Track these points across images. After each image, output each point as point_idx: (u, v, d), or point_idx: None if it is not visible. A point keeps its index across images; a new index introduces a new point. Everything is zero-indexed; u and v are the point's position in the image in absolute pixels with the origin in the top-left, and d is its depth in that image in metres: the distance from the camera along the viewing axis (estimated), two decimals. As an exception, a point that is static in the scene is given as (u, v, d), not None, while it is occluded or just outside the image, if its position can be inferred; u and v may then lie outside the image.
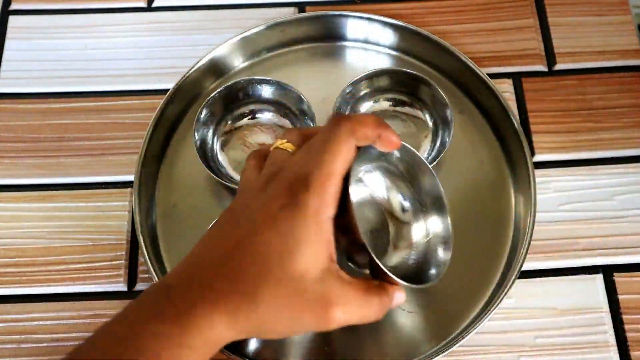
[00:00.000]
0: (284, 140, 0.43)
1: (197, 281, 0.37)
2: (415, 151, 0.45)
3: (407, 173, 0.47)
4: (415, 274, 0.44)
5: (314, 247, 0.37)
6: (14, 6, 0.65)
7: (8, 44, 0.63)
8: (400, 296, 0.41)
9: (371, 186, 0.47)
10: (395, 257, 0.46)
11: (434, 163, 0.54)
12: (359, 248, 0.40)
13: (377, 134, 0.40)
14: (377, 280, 0.41)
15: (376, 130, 0.40)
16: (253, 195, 0.40)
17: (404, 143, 0.43)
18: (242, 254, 0.37)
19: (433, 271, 0.44)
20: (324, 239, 0.37)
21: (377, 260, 0.39)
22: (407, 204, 0.47)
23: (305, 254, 0.37)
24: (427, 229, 0.47)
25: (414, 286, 0.42)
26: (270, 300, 0.36)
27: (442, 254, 0.45)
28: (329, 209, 0.38)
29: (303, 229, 0.37)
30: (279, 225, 0.37)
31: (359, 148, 0.40)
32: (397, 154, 0.45)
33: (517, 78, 0.61)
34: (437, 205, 0.46)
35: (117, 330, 0.37)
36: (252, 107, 0.58)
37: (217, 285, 0.36)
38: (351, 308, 0.38)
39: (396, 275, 0.40)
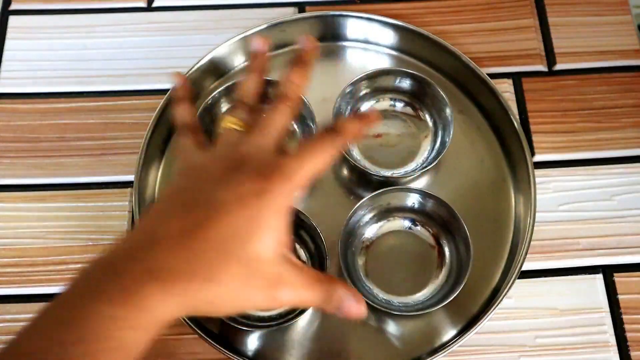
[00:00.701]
0: (235, 119, 0.45)
1: (149, 260, 0.36)
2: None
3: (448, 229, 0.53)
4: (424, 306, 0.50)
5: (274, 233, 0.39)
6: (14, 6, 0.65)
7: (8, 44, 0.63)
8: (345, 295, 0.41)
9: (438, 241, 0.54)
10: (429, 290, 0.52)
11: (434, 163, 0.54)
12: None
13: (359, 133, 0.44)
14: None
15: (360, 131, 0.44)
16: (215, 177, 0.40)
17: (443, 199, 0.51)
18: (203, 235, 0.37)
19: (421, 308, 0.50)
20: (283, 227, 0.39)
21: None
22: (455, 258, 0.52)
23: (266, 239, 0.38)
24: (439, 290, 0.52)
25: (375, 306, 0.48)
26: (226, 280, 0.37)
27: (435, 304, 0.49)
28: (292, 201, 0.40)
29: (269, 216, 0.38)
30: (247, 209, 0.38)
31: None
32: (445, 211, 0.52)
33: (517, 78, 0.61)
34: (461, 273, 0.50)
35: (59, 313, 0.35)
36: (252, 107, 0.58)
37: (174, 266, 0.36)
38: (297, 291, 0.40)
39: (407, 305, 0.50)
